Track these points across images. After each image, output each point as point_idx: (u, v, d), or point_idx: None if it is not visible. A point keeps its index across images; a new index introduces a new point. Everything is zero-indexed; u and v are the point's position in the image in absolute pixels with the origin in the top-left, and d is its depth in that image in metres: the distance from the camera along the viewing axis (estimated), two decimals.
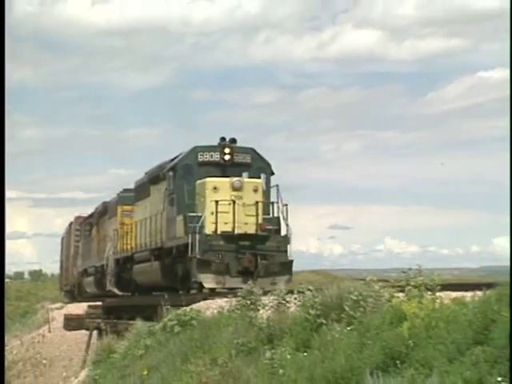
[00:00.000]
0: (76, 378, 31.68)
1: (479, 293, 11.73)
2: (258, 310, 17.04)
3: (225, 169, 28.12)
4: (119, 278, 37.61)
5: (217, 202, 26.21)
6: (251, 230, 26.74)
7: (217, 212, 26.24)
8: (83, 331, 42.01)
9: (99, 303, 42.73)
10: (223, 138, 28.67)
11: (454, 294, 12.98)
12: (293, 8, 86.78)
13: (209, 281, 25.20)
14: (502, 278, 13.77)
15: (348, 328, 13.13)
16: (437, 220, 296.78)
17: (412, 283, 13.04)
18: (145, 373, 19.10)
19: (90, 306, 43.85)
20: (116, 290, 37.53)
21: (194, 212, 27.04)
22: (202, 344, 17.66)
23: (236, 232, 26.62)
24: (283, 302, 16.34)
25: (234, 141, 28.65)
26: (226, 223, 26.35)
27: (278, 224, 27.68)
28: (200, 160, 28.39)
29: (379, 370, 10.40)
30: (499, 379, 8.74)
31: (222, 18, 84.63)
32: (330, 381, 11.31)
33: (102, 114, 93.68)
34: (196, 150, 28.71)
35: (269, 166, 29.08)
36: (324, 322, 13.99)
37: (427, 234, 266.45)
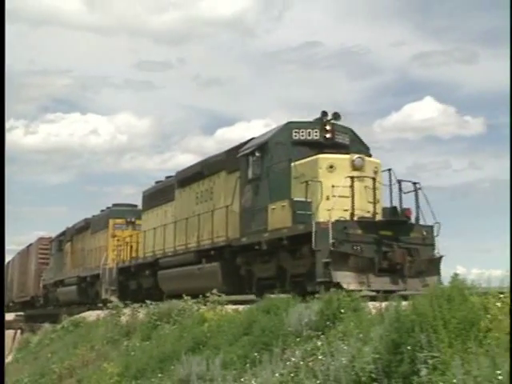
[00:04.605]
0: (6, 359, 30.31)
1: (248, 306, 11.69)
2: (120, 317, 16.50)
3: (322, 149, 14.44)
4: (123, 286, 24.14)
5: (352, 178, 13.13)
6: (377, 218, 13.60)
7: (353, 195, 13.01)
8: (11, 330, 40.17)
9: (22, 313, 41.15)
10: (324, 113, 15.16)
11: (234, 307, 12.58)
12: (147, 141, 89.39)
13: (348, 280, 12.22)
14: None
15: (173, 327, 13.03)
16: None
17: (210, 300, 13.04)
18: (49, 355, 18.72)
19: (16, 315, 41.90)
20: (114, 299, 22.42)
21: (296, 197, 13.74)
22: (86, 337, 17.47)
23: (375, 218, 13.42)
24: (136, 311, 15.95)
25: (337, 116, 15.28)
26: (345, 210, 13.04)
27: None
28: (295, 138, 15.06)
29: (190, 352, 10.27)
30: (256, 354, 8.68)
31: (105, 145, 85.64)
32: (161, 358, 11.13)
33: (33, 199, 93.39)
34: (290, 127, 15.19)
35: (367, 149, 15.65)
36: (159, 323, 13.77)
37: None
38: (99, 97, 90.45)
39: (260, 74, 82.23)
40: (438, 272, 13.53)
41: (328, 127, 15.07)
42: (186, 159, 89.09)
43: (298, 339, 8.54)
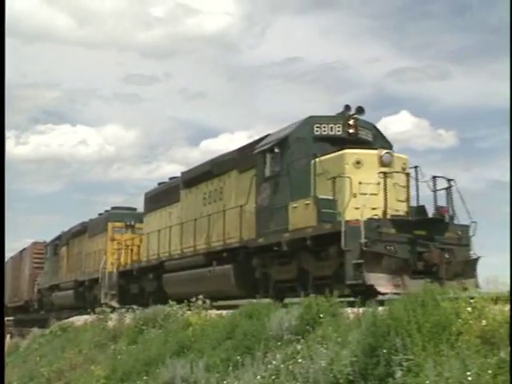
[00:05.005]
0: None
1: (231, 311, 11.60)
2: (107, 321, 16.42)
3: (345, 145, 12.79)
4: (123, 290, 22.59)
5: (385, 173, 11.78)
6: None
7: (386, 192, 11.61)
8: None
9: (11, 318, 40.66)
10: (347, 107, 13.77)
11: (218, 312, 12.39)
12: (134, 151, 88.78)
13: (383, 283, 10.90)
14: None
15: (159, 331, 12.91)
16: None
17: (195, 306, 12.77)
18: (38, 359, 18.56)
19: (6, 320, 41.35)
20: (114, 303, 21.86)
21: (320, 194, 12.31)
22: (74, 341, 17.36)
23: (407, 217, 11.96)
24: (123, 316, 15.77)
25: (361, 110, 13.86)
26: (373, 208, 11.63)
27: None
28: (317, 133, 13.63)
29: (175, 355, 10.20)
30: (238, 357, 8.57)
31: (94, 155, 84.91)
32: (147, 362, 11.03)
33: (25, 207, 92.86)
34: (311, 121, 13.75)
35: (391, 146, 13.83)
36: (145, 327, 13.63)
37: None
38: (88, 109, 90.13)
39: (244, 88, 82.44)
40: (474, 274, 12.01)
41: (351, 122, 13.72)
42: (171, 169, 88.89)
43: (278, 343, 8.56)
